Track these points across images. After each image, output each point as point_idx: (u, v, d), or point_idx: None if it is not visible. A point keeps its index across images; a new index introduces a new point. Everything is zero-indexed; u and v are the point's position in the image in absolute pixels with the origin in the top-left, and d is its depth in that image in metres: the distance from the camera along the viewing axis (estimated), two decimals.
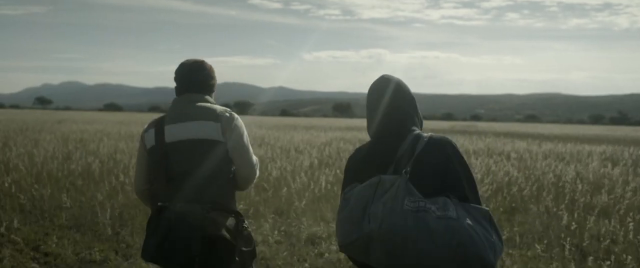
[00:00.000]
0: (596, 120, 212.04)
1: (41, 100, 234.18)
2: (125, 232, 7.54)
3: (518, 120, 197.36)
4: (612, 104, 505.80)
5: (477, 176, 11.98)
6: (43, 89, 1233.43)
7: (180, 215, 3.08)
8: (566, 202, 9.52)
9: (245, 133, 3.45)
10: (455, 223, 2.38)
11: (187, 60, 3.57)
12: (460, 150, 2.69)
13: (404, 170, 2.54)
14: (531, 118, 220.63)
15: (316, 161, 14.61)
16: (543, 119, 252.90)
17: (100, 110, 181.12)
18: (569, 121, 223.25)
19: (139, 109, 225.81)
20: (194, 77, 3.51)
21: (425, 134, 2.73)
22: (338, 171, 12.60)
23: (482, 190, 10.37)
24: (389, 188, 2.51)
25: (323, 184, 10.61)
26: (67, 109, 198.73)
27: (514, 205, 9.77)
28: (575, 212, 8.97)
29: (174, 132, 3.33)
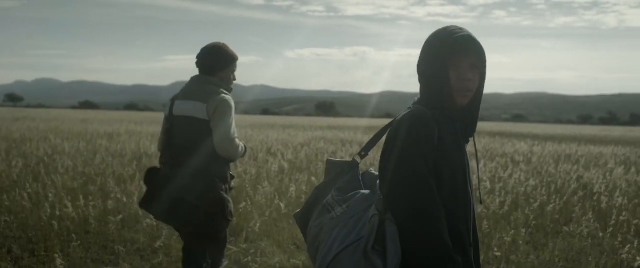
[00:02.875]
0: (585, 120, 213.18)
1: (12, 98, 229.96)
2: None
3: (505, 120, 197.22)
4: (600, 104, 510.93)
5: (486, 185, 9.95)
6: (15, 86, 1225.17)
7: (164, 179, 4.15)
8: (612, 223, 7.43)
9: (228, 112, 4.09)
10: (328, 224, 2.14)
11: (208, 44, 4.30)
12: (408, 134, 2.07)
13: (353, 157, 2.38)
14: (519, 118, 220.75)
15: (287, 165, 12.48)
16: (530, 118, 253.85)
17: (74, 108, 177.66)
18: (558, 121, 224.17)
19: (116, 107, 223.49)
20: (204, 60, 4.26)
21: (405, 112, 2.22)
22: (313, 178, 10.52)
23: (495, 204, 8.30)
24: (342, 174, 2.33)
25: (294, 194, 8.64)
26: (39, 106, 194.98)
27: (534, 222, 7.75)
28: (630, 239, 6.95)
29: (179, 108, 4.21)
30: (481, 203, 2.54)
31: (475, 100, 2.25)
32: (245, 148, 4.36)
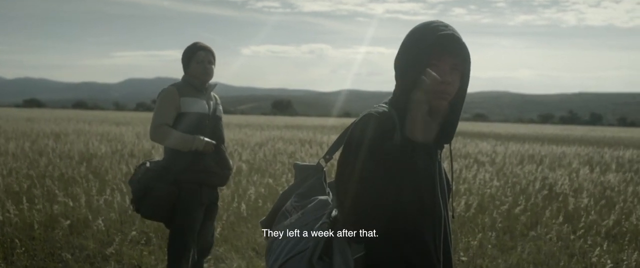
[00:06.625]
0: (546, 119, 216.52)
1: None
2: None
3: (466, 119, 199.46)
4: (560, 103, 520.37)
5: (452, 186, 9.94)
6: None
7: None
8: (581, 226, 7.49)
9: (158, 102, 4.54)
10: (282, 231, 2.10)
11: None
12: (360, 133, 1.95)
13: (319, 160, 2.31)
14: (480, 117, 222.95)
15: (244, 166, 12.36)
16: (491, 117, 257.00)
17: (19, 106, 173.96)
18: (519, 120, 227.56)
19: (63, 105, 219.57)
20: None
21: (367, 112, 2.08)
22: (271, 180, 10.39)
23: (460, 207, 8.31)
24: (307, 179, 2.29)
25: (252, 197, 8.55)
26: None
27: (500, 224, 7.76)
28: (599, 241, 7.00)
29: None
30: (453, 216, 2.40)
31: (455, 103, 2.10)
32: (194, 139, 4.43)
